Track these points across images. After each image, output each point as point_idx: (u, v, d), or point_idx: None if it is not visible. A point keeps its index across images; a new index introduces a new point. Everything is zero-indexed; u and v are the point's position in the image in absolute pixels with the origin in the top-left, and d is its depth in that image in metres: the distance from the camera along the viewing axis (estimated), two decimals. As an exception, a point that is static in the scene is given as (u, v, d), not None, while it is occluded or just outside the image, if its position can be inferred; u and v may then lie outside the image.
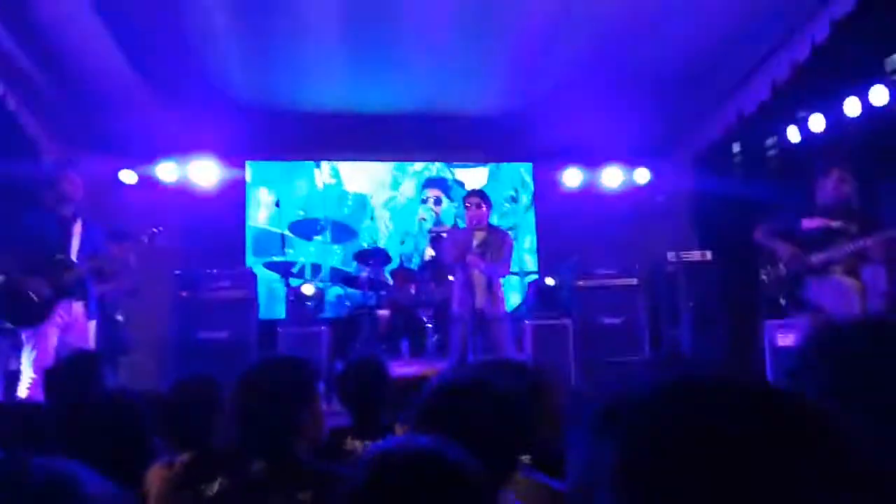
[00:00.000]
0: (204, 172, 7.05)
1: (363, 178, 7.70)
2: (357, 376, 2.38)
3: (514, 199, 5.65)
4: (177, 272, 5.90)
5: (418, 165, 7.80)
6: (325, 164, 7.62)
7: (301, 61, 5.79)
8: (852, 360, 0.96)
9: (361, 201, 7.62)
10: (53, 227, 4.42)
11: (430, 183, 7.82)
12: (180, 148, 6.88)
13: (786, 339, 4.46)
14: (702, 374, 0.57)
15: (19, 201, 4.81)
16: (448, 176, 7.85)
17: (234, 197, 7.28)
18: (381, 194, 7.67)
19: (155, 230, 4.76)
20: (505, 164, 7.87)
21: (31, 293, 4.22)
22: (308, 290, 6.29)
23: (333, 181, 7.63)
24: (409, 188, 7.77)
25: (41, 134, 6.33)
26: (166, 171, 6.99)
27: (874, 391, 0.68)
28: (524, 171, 7.87)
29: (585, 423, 0.55)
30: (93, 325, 4.56)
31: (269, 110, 6.53)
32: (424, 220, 7.67)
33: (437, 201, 7.77)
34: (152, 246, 4.78)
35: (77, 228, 4.49)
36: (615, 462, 0.51)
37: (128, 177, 6.87)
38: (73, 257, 4.43)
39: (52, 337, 4.25)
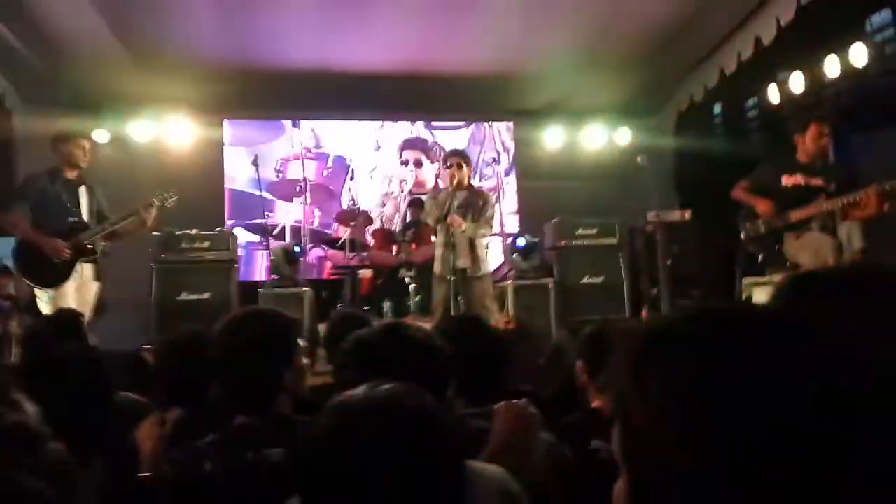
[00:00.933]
0: (179, 131, 6.91)
1: (343, 138, 7.61)
2: (344, 333, 2.38)
3: (496, 161, 5.63)
4: (155, 233, 5.82)
5: (400, 126, 7.72)
6: (304, 124, 7.51)
7: (277, 18, 5.66)
8: (822, 305, 0.97)
9: (341, 162, 7.54)
10: (63, 190, 4.54)
11: (409, 144, 7.75)
12: (154, 107, 6.73)
13: (762, 295, 4.53)
14: (728, 306, 0.59)
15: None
16: (428, 137, 7.78)
17: (211, 157, 7.16)
18: (361, 155, 7.59)
19: (168, 196, 4.82)
20: (487, 126, 7.81)
21: (51, 255, 4.38)
22: (289, 251, 6.25)
23: (312, 142, 7.53)
24: (390, 149, 7.70)
25: (11, 91, 6.17)
26: (140, 130, 6.84)
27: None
28: (505, 133, 7.82)
29: (627, 354, 0.56)
30: (97, 286, 4.68)
31: (245, 68, 6.38)
32: (405, 181, 7.62)
33: (418, 163, 7.72)
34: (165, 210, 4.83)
35: (83, 191, 4.63)
36: (660, 388, 0.53)
37: (100, 136, 6.72)
38: (86, 219, 4.60)
39: (70, 297, 4.40)
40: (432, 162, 7.66)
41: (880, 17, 5.73)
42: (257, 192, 5.89)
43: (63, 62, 5.98)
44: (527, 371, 3.37)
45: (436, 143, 7.71)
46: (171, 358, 2.26)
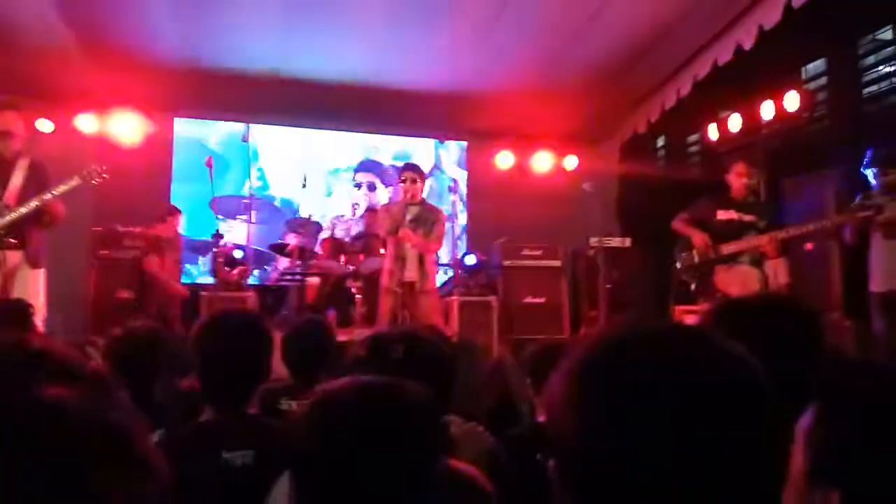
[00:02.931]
0: (127, 127, 6.77)
1: (297, 146, 7.60)
2: (306, 339, 2.43)
3: (453, 190, 5.78)
4: (96, 229, 5.69)
5: (357, 141, 7.76)
6: (256, 128, 7.47)
7: (233, 19, 5.65)
8: (744, 328, 1.10)
9: (293, 170, 7.53)
10: None
11: (364, 167, 7.79)
12: (103, 100, 6.59)
13: (691, 322, 4.77)
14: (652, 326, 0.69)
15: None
16: (384, 161, 7.83)
17: (159, 154, 7.04)
18: (315, 164, 7.59)
19: (98, 170, 4.33)
20: (447, 149, 7.95)
21: None
22: (235, 254, 6.19)
23: (265, 147, 7.49)
24: (344, 163, 7.73)
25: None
26: (86, 123, 6.67)
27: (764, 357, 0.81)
28: (462, 157, 7.99)
29: (568, 373, 0.65)
30: (41, 273, 4.23)
31: (199, 67, 6.33)
32: (357, 205, 7.65)
33: (371, 187, 7.76)
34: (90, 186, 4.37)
35: (20, 171, 4.18)
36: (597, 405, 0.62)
37: (44, 125, 6.52)
38: (10, 201, 4.12)
39: None
40: (386, 186, 7.72)
41: (815, 65, 6.13)
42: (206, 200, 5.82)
43: (10, 49, 5.81)
44: (466, 384, 3.45)
45: (391, 167, 7.76)
46: (121, 354, 2.25)
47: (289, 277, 6.08)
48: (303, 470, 0.99)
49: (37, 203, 4.11)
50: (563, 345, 2.32)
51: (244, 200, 6.37)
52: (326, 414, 1.00)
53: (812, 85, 6.04)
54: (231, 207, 6.65)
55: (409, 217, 4.87)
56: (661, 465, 0.57)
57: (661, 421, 0.58)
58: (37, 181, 4.23)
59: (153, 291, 5.59)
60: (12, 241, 4.12)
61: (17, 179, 4.18)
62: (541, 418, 2.15)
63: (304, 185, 6.05)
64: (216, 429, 1.65)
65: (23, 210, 4.11)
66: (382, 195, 7.67)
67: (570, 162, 7.72)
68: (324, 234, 6.87)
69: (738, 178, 4.42)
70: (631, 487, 0.57)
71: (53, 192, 4.13)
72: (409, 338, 1.51)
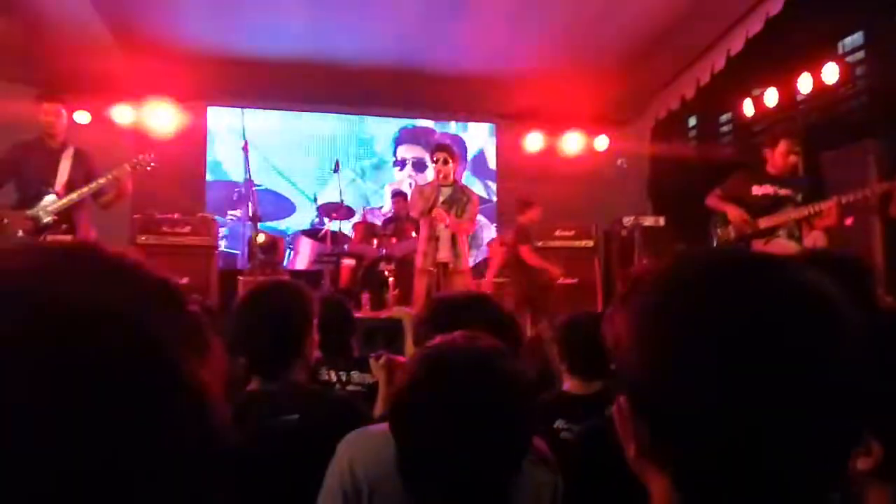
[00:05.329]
0: (161, 116, 6.89)
1: (328, 129, 7.66)
2: (326, 311, 2.48)
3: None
4: (136, 216, 5.82)
5: (386, 122, 7.79)
6: (288, 114, 7.55)
7: (266, 5, 5.70)
8: None
9: (326, 154, 7.59)
10: (40, 160, 4.36)
11: (406, 138, 7.74)
12: (138, 91, 6.71)
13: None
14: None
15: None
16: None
17: (194, 143, 7.16)
18: (345, 148, 7.64)
19: (147, 158, 4.61)
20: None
21: (18, 230, 4.17)
22: (271, 238, 6.29)
23: (298, 130, 7.57)
24: (379, 144, 7.76)
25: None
26: (122, 114, 6.81)
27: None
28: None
29: (637, 307, 0.62)
30: None
31: (232, 55, 6.41)
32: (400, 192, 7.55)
33: (419, 166, 7.74)
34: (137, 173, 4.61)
35: (67, 159, 4.41)
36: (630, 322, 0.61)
37: (81, 117, 6.67)
38: (60, 188, 4.35)
39: None
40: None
41: (852, 39, 5.98)
42: (242, 180, 5.90)
43: (45, 42, 5.94)
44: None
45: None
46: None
47: (324, 260, 6.15)
48: (408, 427, 1.02)
49: (86, 190, 4.33)
50: (591, 315, 2.33)
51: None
52: (435, 370, 1.02)
53: (850, 59, 5.90)
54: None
55: (441, 198, 4.89)
56: (743, 401, 0.54)
57: (740, 353, 0.54)
58: (83, 170, 4.46)
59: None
60: (63, 226, 4.32)
61: (64, 168, 4.41)
62: (565, 385, 2.17)
63: (334, 170, 6.10)
64: (263, 397, 1.69)
65: (73, 196, 4.29)
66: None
67: (601, 142, 7.65)
68: (356, 219, 6.92)
69: (784, 156, 4.31)
70: (707, 421, 0.54)
71: (103, 179, 4.36)
72: (476, 299, 1.53)
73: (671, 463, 0.57)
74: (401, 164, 7.77)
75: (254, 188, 6.03)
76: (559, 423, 2.03)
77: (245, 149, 5.11)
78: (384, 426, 1.15)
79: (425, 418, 0.99)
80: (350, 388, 2.36)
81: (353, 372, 2.39)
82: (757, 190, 4.38)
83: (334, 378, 2.37)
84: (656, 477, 0.59)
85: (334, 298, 2.84)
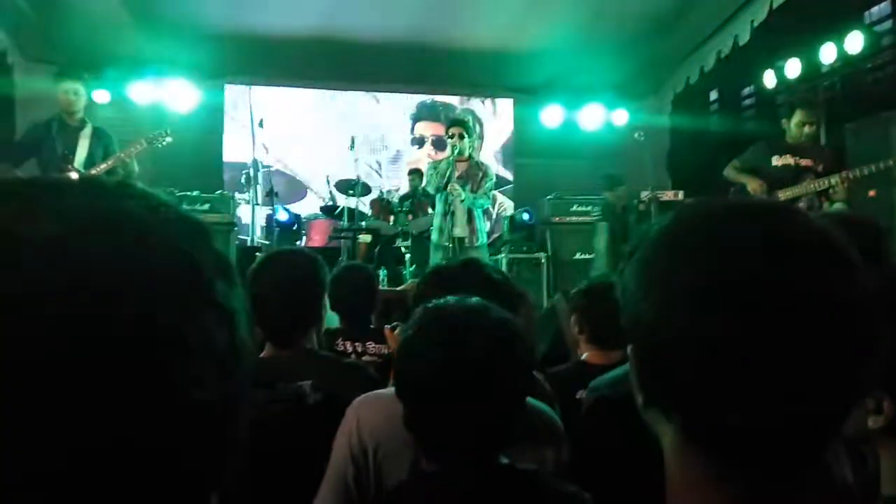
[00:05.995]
0: (180, 94, 6.92)
1: (342, 107, 7.64)
2: (349, 281, 2.49)
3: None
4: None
5: (403, 97, 7.75)
6: (305, 92, 7.55)
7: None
8: None
9: (343, 131, 7.58)
10: (59, 138, 4.42)
11: (425, 114, 7.69)
12: (155, 69, 6.74)
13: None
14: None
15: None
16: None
17: (211, 121, 7.19)
18: (362, 125, 7.63)
19: (164, 133, 4.63)
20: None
21: None
22: (286, 216, 6.32)
23: (315, 107, 7.56)
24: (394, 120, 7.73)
25: (12, 48, 6.15)
26: (140, 92, 6.84)
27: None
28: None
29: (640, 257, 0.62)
30: None
31: (248, 32, 6.40)
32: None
33: (440, 143, 7.69)
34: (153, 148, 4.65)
35: (85, 137, 4.47)
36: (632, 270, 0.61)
37: (100, 96, 6.71)
38: (79, 166, 4.42)
39: None
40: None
41: (879, 9, 5.85)
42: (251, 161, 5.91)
43: (64, 20, 5.98)
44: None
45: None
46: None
47: (340, 237, 6.17)
48: (409, 383, 1.05)
49: (104, 167, 4.39)
50: (609, 284, 2.31)
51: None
52: (433, 327, 1.06)
53: (877, 28, 5.77)
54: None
55: (457, 173, 4.88)
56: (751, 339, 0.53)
57: (739, 290, 0.53)
58: (102, 147, 4.53)
59: None
60: None
61: (83, 146, 4.47)
62: (584, 356, 2.17)
63: (351, 147, 6.10)
64: (276, 363, 1.71)
65: (92, 174, 4.36)
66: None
67: (620, 116, 7.55)
68: (372, 196, 6.93)
69: (799, 126, 4.24)
70: (711, 364, 0.54)
71: (121, 154, 4.40)
72: (469, 266, 1.54)
73: (675, 408, 0.57)
74: (419, 141, 7.74)
75: (264, 168, 6.08)
76: (580, 394, 2.02)
77: (254, 128, 5.11)
78: (392, 389, 1.17)
79: (425, 366, 1.02)
80: (366, 358, 2.38)
81: (369, 343, 2.41)
82: (777, 161, 4.30)
83: (350, 349, 2.39)
84: (664, 426, 0.59)
85: (358, 269, 2.85)
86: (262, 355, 1.74)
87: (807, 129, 4.25)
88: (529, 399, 1.47)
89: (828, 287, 0.54)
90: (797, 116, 4.25)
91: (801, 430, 0.54)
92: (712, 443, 0.55)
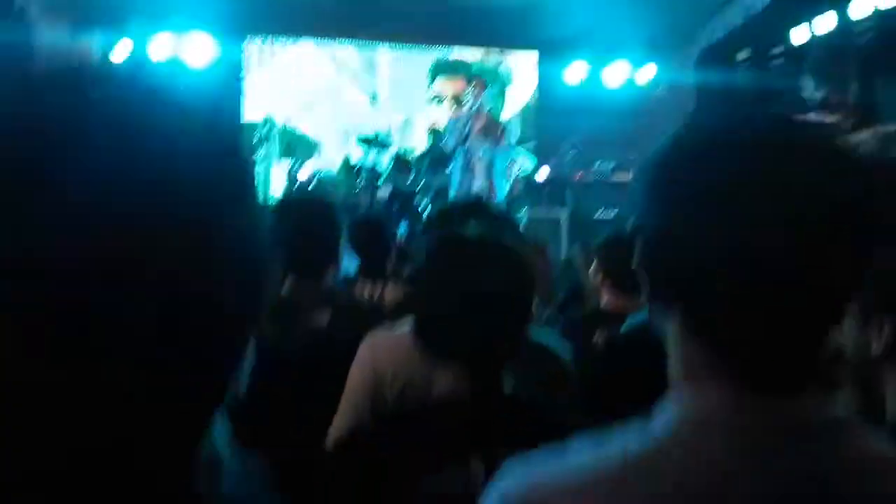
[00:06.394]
0: (199, 49, 6.87)
1: (362, 62, 7.58)
2: (366, 230, 2.53)
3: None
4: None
5: (423, 54, 7.66)
6: (326, 46, 7.50)
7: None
8: None
9: (363, 86, 7.53)
10: None
11: (444, 68, 7.57)
12: (174, 23, 6.70)
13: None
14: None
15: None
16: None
17: (231, 75, 7.17)
18: (381, 80, 7.56)
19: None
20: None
21: None
22: (306, 173, 6.34)
23: (334, 61, 7.51)
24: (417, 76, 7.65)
25: (30, 4, 6.13)
26: (159, 46, 6.80)
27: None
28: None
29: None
30: None
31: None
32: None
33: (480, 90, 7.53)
34: None
35: None
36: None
37: (118, 49, 6.67)
38: None
39: None
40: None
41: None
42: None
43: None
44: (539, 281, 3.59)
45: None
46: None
47: (359, 193, 6.19)
48: (426, 293, 1.12)
49: None
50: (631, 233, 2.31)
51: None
52: (444, 242, 1.15)
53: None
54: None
55: (476, 127, 4.84)
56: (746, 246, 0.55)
57: (730, 179, 0.56)
58: None
59: None
60: None
61: None
62: (605, 302, 2.18)
63: (373, 99, 6.05)
64: (296, 300, 1.75)
65: None
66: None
67: (645, 73, 7.40)
68: (391, 152, 6.90)
69: (810, 90, 4.14)
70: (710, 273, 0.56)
71: None
72: (473, 203, 1.55)
73: (675, 302, 0.59)
74: (437, 98, 7.65)
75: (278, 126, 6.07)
76: (597, 337, 2.04)
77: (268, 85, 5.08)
78: (405, 328, 1.20)
79: (439, 284, 1.09)
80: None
81: (384, 289, 2.44)
82: (805, 116, 4.21)
83: (367, 294, 2.42)
84: (667, 320, 0.61)
85: (371, 217, 2.90)
86: (282, 293, 1.77)
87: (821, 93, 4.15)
88: (544, 343, 1.50)
89: (823, 183, 0.55)
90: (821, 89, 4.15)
91: (794, 325, 0.56)
92: (709, 335, 0.58)
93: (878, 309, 0.91)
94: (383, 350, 1.35)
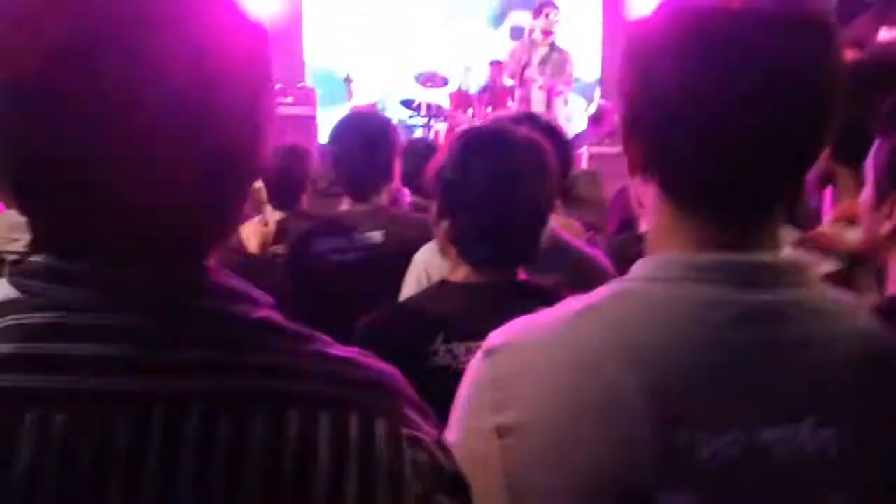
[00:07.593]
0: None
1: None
2: (417, 154, 2.55)
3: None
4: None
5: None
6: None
7: None
8: None
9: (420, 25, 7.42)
10: None
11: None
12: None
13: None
14: None
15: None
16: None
17: (291, 21, 7.16)
18: (435, 19, 7.43)
19: None
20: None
21: None
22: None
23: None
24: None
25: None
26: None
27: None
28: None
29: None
30: None
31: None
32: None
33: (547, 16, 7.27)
34: None
35: None
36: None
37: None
38: None
39: None
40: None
41: None
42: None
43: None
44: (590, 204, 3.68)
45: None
46: (279, 168, 2.43)
47: (418, 125, 6.21)
48: (452, 188, 1.15)
49: None
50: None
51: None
52: (470, 137, 1.18)
53: None
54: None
55: (537, 58, 4.73)
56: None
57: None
58: None
59: None
60: None
61: None
62: (642, 229, 2.17)
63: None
64: (352, 215, 1.81)
65: None
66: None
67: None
68: (451, 88, 6.83)
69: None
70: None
71: None
72: (525, 115, 1.55)
73: (653, 167, 0.62)
74: (518, 34, 7.35)
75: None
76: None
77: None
78: None
79: (465, 178, 1.12)
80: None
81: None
82: None
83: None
84: (646, 188, 0.64)
85: (424, 141, 2.90)
86: (341, 208, 1.84)
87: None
88: (576, 244, 1.53)
89: (777, 39, 0.56)
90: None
91: (749, 177, 0.59)
92: (682, 193, 0.61)
93: (893, 188, 0.94)
94: (435, 264, 1.41)
